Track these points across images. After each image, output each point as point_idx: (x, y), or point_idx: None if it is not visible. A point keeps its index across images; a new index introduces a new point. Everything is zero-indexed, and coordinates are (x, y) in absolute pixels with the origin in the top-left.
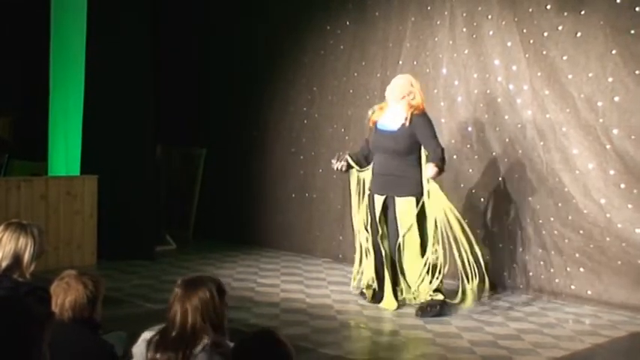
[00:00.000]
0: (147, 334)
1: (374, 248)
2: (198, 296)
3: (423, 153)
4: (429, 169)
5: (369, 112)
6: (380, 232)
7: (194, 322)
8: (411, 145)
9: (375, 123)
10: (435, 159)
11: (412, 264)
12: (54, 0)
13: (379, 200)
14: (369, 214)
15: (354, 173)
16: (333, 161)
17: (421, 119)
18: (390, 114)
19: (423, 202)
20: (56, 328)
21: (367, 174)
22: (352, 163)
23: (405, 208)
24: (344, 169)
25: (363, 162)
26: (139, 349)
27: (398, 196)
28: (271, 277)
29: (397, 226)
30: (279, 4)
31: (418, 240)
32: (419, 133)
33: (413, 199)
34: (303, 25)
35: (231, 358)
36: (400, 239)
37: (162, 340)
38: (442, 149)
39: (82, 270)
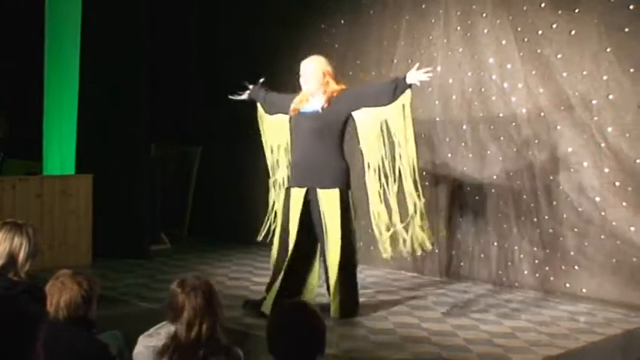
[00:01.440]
0: (147, 341)
1: (280, 247)
2: (203, 298)
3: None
4: (411, 73)
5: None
6: (292, 234)
7: (208, 325)
8: (337, 127)
9: (297, 111)
10: (394, 78)
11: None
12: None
13: (299, 194)
14: (284, 213)
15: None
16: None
17: (344, 93)
18: (313, 101)
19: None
20: (51, 328)
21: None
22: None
23: (328, 201)
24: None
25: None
26: (141, 356)
27: (320, 187)
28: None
29: (323, 226)
30: (274, 3)
31: (339, 242)
32: (350, 99)
33: (337, 192)
34: (297, 23)
35: (268, 329)
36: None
37: (176, 348)
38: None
39: (76, 269)
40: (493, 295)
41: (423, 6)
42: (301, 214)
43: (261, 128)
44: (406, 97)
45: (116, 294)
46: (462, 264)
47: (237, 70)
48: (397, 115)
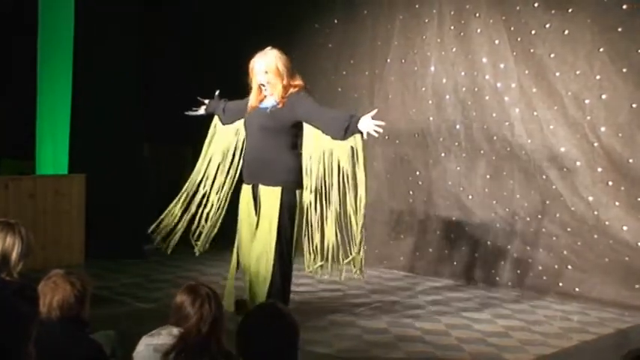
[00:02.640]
0: (148, 340)
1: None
2: (208, 304)
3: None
4: (365, 119)
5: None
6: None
7: (215, 331)
8: (287, 126)
9: (254, 108)
10: (349, 117)
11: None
12: None
13: (247, 191)
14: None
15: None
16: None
17: (300, 98)
18: (268, 97)
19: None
20: (44, 328)
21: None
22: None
23: (268, 199)
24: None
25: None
26: (140, 355)
27: (262, 184)
28: None
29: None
30: (268, 2)
31: (272, 243)
32: (303, 109)
33: (278, 190)
34: (291, 23)
35: (237, 335)
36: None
37: (182, 349)
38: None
39: (69, 269)
40: (486, 294)
41: (417, 6)
42: (249, 211)
43: (207, 140)
44: (357, 141)
45: (109, 294)
46: (455, 263)
47: (230, 69)
48: (345, 155)
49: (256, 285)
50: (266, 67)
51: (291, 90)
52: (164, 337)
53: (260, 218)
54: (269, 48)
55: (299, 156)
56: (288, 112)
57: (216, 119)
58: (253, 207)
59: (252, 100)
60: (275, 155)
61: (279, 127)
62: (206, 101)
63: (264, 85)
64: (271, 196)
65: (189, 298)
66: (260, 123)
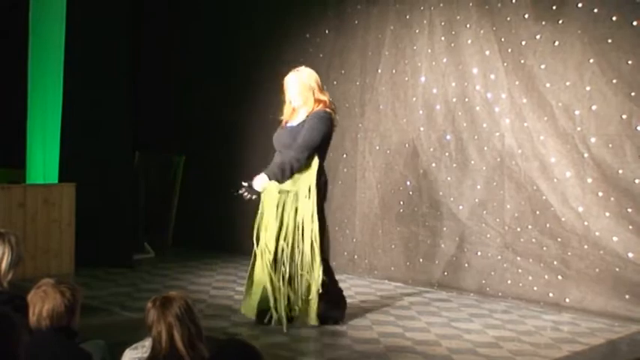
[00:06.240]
0: (132, 353)
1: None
2: (175, 312)
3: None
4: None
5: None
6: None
7: (183, 338)
8: None
9: (282, 126)
10: (275, 165)
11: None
12: (33, 6)
13: (274, 197)
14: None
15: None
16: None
17: (314, 117)
18: (298, 115)
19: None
20: (34, 337)
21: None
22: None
23: (302, 207)
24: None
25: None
26: None
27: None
28: None
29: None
30: (258, 12)
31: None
32: (303, 130)
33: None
34: (282, 33)
35: None
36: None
37: None
38: (297, 158)
39: (59, 278)
40: (477, 304)
41: (408, 16)
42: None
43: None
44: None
45: (99, 303)
46: (445, 273)
47: (222, 79)
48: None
49: (299, 290)
50: (294, 83)
51: (316, 107)
52: (147, 349)
53: (296, 226)
54: (302, 67)
55: (319, 169)
56: (302, 129)
57: None
58: (281, 213)
59: (285, 114)
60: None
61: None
62: (245, 184)
63: (292, 101)
64: (304, 203)
65: (151, 304)
66: (283, 141)
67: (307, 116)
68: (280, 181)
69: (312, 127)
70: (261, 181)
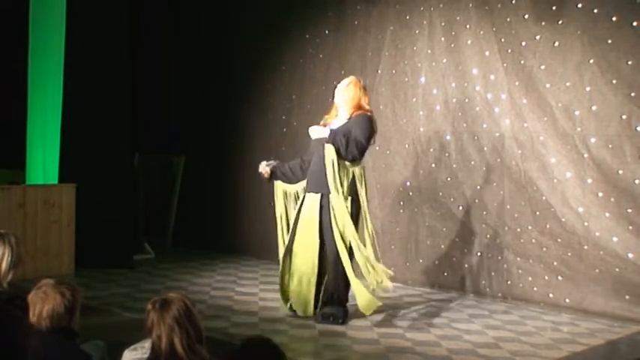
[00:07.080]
0: (132, 354)
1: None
2: (175, 314)
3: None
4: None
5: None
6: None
7: (182, 339)
8: None
9: (325, 125)
10: (341, 133)
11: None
12: (32, 7)
13: (314, 199)
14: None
15: (278, 187)
16: (263, 163)
17: (360, 117)
18: (340, 116)
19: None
20: (34, 338)
21: (298, 187)
22: (278, 173)
23: (338, 207)
24: (266, 175)
25: (292, 175)
26: None
27: (328, 193)
28: (250, 286)
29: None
30: (258, 12)
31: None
32: (352, 127)
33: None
34: (282, 33)
35: None
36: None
37: None
38: (356, 141)
39: (59, 279)
40: (477, 305)
41: (407, 17)
42: (319, 218)
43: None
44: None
45: (99, 303)
46: (445, 274)
47: (221, 79)
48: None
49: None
50: (342, 89)
51: (357, 112)
52: (146, 350)
53: (332, 224)
54: (352, 76)
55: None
56: (348, 128)
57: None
58: (319, 214)
59: (330, 115)
60: (331, 167)
61: None
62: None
63: (338, 102)
64: (339, 203)
65: (150, 306)
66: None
67: (349, 119)
68: (338, 149)
69: (361, 125)
70: (320, 132)
